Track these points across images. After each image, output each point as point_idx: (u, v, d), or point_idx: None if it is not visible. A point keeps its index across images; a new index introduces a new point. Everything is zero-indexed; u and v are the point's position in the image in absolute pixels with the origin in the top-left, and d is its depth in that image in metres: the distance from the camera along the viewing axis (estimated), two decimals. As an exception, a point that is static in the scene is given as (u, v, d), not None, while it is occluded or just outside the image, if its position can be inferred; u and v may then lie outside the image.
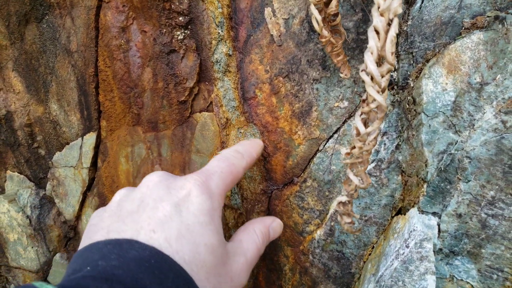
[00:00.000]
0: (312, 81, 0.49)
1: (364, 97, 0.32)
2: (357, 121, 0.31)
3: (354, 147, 0.31)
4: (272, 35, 0.50)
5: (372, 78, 0.31)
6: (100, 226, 0.37)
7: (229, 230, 0.56)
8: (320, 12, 0.43)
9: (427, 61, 0.44)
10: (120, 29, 0.51)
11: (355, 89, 0.48)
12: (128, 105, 0.55)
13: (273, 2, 0.49)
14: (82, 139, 0.58)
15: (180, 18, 0.50)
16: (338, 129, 0.49)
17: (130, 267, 0.31)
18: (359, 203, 0.49)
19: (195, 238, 0.35)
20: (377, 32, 0.30)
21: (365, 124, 0.31)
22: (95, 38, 0.52)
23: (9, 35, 0.54)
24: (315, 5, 0.42)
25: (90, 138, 0.58)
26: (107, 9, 0.50)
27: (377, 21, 0.30)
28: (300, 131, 0.50)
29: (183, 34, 0.50)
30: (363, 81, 0.47)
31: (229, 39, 0.51)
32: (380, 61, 0.31)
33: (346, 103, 0.48)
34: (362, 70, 0.31)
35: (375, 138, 0.30)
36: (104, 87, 0.54)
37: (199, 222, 0.36)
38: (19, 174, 0.63)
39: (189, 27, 0.50)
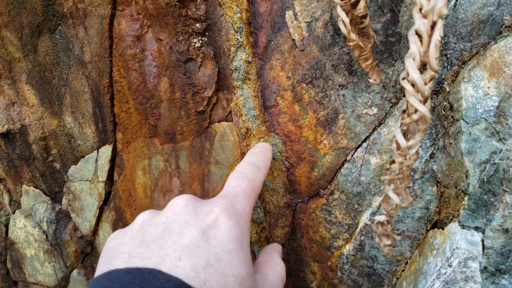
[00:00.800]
0: (337, 87, 0.46)
1: (404, 107, 0.29)
2: (397, 134, 0.28)
3: (393, 162, 0.28)
4: (294, 40, 0.47)
5: (413, 86, 0.28)
6: (121, 251, 0.34)
7: (251, 245, 0.54)
8: (347, 14, 0.41)
9: (464, 63, 0.42)
10: (135, 37, 0.49)
11: (385, 95, 0.45)
12: (145, 116, 0.53)
13: (294, 5, 0.47)
14: (98, 152, 0.57)
15: (197, 25, 0.48)
16: (367, 137, 0.46)
17: None
18: (391, 216, 0.46)
19: (224, 268, 0.33)
20: (419, 36, 0.28)
21: (405, 137, 0.28)
22: (109, 48, 0.51)
23: (22, 47, 0.53)
24: (341, 6, 0.40)
25: (106, 151, 0.56)
26: (121, 18, 0.49)
27: (420, 23, 0.27)
28: (325, 140, 0.47)
29: (200, 41, 0.49)
30: (400, 88, 0.44)
31: (249, 45, 0.49)
32: (422, 67, 0.28)
33: (375, 110, 0.45)
34: (403, 78, 0.28)
35: (417, 152, 0.28)
36: (119, 98, 0.53)
37: (227, 250, 0.34)
38: (34, 189, 0.62)
39: (206, 34, 0.49)
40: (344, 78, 0.46)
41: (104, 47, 0.51)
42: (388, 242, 0.28)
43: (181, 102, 0.51)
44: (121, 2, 0.48)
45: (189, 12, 0.47)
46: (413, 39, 0.28)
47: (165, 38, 0.49)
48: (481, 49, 0.41)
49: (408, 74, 0.28)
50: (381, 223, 0.29)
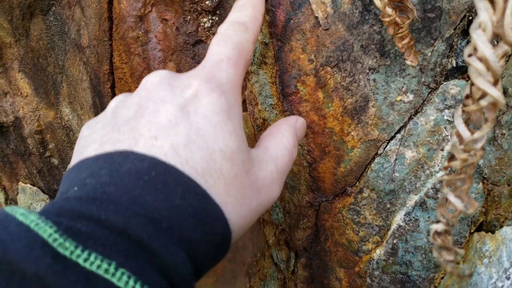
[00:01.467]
0: (367, 71, 0.41)
1: (467, 91, 0.24)
2: (458, 124, 0.23)
3: (453, 158, 0.24)
4: (317, 18, 0.42)
5: (483, 64, 0.23)
6: (93, 139, 0.31)
7: (269, 249, 0.50)
8: (381, -16, 0.36)
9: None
10: (137, 18, 0.45)
11: (422, 79, 0.40)
12: (149, 107, 0.48)
13: (317, -24, 0.42)
14: (99, 146, 0.52)
15: (207, 2, 0.43)
16: (402, 128, 0.41)
17: (124, 183, 0.25)
18: (428, 216, 0.42)
19: (208, 143, 0.29)
20: (491, 1, 0.23)
21: (468, 127, 0.24)
22: (109, 30, 0.46)
23: (13, 31, 0.49)
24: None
25: (108, 145, 0.52)
26: (121, -5, 0.44)
27: (490, -15, 0.22)
28: (353, 131, 0.43)
29: (210, 21, 0.44)
30: (441, 71, 0.39)
31: (265, 25, 0.44)
32: (493, 40, 0.23)
33: (411, 97, 0.40)
34: (469, 55, 0.23)
35: (483, 147, 0.23)
36: (121, 86, 0.48)
37: (211, 124, 0.30)
38: (31, 186, 0.58)
39: (217, 12, 0.44)
40: (375, 60, 0.41)
41: (103, 30, 0.46)
42: (450, 257, 0.24)
43: (189, 90, 0.47)
44: (121, -23, 0.43)
45: (197, -12, 0.42)
46: (483, 5, 0.23)
47: (171, 18, 0.44)
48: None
49: (475, 49, 0.23)
50: (438, 233, 0.24)
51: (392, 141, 0.41)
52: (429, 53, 0.39)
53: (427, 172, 0.40)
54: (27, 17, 0.48)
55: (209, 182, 0.28)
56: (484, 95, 0.22)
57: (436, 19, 0.39)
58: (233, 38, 0.35)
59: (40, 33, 0.48)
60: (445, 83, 0.39)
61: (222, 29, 0.36)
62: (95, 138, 0.31)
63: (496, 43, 0.23)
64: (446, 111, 0.39)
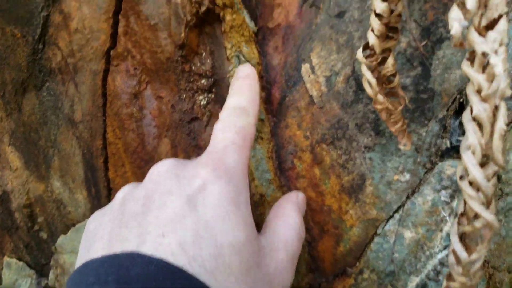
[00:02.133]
0: (363, 149, 0.42)
1: (461, 209, 0.25)
2: (454, 243, 0.24)
3: (451, 278, 0.24)
4: (311, 96, 0.44)
5: (473, 186, 0.24)
6: (99, 235, 0.30)
7: None
8: (373, 72, 0.37)
9: (508, 123, 0.38)
10: (131, 95, 0.45)
11: (418, 159, 0.41)
12: (143, 181, 0.49)
13: (311, 57, 0.43)
14: (90, 220, 0.52)
15: (203, 81, 0.44)
16: (400, 207, 0.42)
17: None
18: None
19: (217, 237, 0.28)
20: (479, 124, 0.24)
21: (464, 243, 0.24)
22: (103, 106, 0.47)
23: (5, 106, 0.50)
24: (367, 65, 0.36)
25: (99, 218, 0.52)
26: (116, 73, 0.45)
27: (479, 109, 0.23)
28: (351, 209, 0.43)
29: (206, 98, 0.45)
30: (436, 152, 0.40)
31: (260, 101, 0.46)
32: (483, 161, 0.24)
33: (407, 176, 0.41)
34: (460, 177, 0.24)
35: (481, 266, 0.23)
36: (114, 161, 0.49)
37: (220, 215, 0.30)
38: (17, 261, 0.57)
39: (213, 90, 0.45)
40: (370, 139, 0.42)
41: (97, 106, 0.47)
42: None
43: (184, 166, 0.47)
44: (116, 56, 0.44)
45: (193, 68, 0.44)
46: (471, 127, 0.24)
47: (166, 95, 0.45)
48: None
49: (467, 172, 0.24)
50: None
51: (390, 221, 0.42)
52: (424, 133, 0.41)
53: (427, 253, 0.41)
54: (20, 92, 0.49)
55: (218, 280, 0.28)
56: (477, 216, 0.23)
57: (429, 100, 0.40)
58: (236, 124, 0.36)
59: (33, 108, 0.49)
60: (440, 163, 0.40)
61: (225, 115, 0.37)
62: (102, 235, 0.30)
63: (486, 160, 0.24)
64: (443, 191, 0.40)
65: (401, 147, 0.39)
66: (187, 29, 0.41)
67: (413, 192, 0.41)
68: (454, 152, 0.40)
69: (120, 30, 0.42)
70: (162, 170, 0.33)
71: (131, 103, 0.46)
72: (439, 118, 0.40)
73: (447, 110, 0.40)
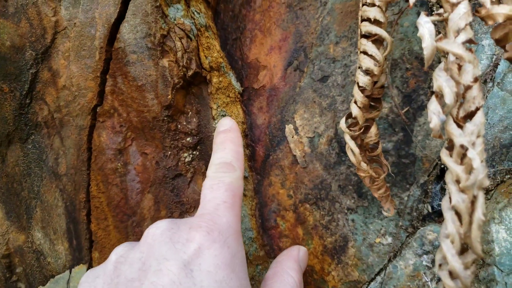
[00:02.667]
0: (346, 211, 0.41)
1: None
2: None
3: None
4: (295, 156, 0.43)
5: (451, 274, 0.23)
6: None
7: None
8: (356, 140, 0.37)
9: (488, 191, 0.37)
10: (116, 151, 0.44)
11: (400, 223, 0.40)
12: (125, 235, 0.47)
13: (295, 118, 0.43)
14: (70, 272, 0.49)
15: (188, 139, 0.43)
16: (382, 270, 0.40)
17: None
18: None
19: None
20: (458, 213, 0.23)
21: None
22: (87, 160, 0.45)
23: (-11, 157, 0.48)
24: (350, 135, 0.36)
25: (80, 271, 0.49)
26: (102, 129, 0.44)
27: (458, 199, 0.23)
28: (334, 271, 0.42)
29: (191, 155, 0.44)
30: (417, 217, 0.40)
31: (244, 159, 0.45)
32: (462, 249, 0.23)
33: (389, 239, 0.40)
34: (439, 265, 0.23)
35: None
36: (97, 214, 0.47)
37: (217, 281, 0.29)
38: (-7, 312, 0.54)
39: (197, 147, 0.44)
40: (353, 201, 0.41)
41: (81, 160, 0.45)
42: None
43: (167, 221, 0.45)
44: (102, 113, 0.43)
45: (179, 126, 0.43)
46: (449, 216, 0.23)
47: (151, 152, 0.44)
48: (506, 176, 0.37)
49: (446, 261, 0.23)
50: None
51: (372, 283, 0.41)
52: (406, 198, 0.40)
53: (410, 319, 0.39)
54: (4, 144, 0.47)
55: None
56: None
57: (411, 165, 0.40)
58: (224, 180, 0.35)
59: (17, 160, 0.47)
60: (422, 228, 0.39)
61: (211, 172, 0.36)
62: None
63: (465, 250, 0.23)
64: (425, 256, 0.39)
65: (385, 213, 0.38)
66: (174, 91, 0.40)
67: (395, 256, 0.40)
68: (435, 216, 0.40)
69: (108, 89, 0.41)
70: (157, 233, 0.32)
71: (116, 158, 0.44)
72: (421, 183, 0.39)
73: (428, 176, 0.39)
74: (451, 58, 0.23)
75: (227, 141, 0.39)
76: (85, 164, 0.46)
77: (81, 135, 0.45)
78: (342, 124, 0.35)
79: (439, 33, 0.25)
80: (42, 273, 0.51)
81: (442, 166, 0.39)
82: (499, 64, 0.37)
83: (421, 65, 0.39)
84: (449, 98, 0.22)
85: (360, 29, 0.33)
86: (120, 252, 0.33)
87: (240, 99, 0.44)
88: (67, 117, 0.44)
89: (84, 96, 0.43)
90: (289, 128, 0.43)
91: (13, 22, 0.41)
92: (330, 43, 0.41)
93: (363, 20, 0.33)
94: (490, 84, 0.38)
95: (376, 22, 0.32)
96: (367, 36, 0.33)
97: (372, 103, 0.35)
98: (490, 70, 0.38)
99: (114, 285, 0.30)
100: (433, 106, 0.23)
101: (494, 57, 0.37)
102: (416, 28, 0.39)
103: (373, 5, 0.32)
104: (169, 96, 0.40)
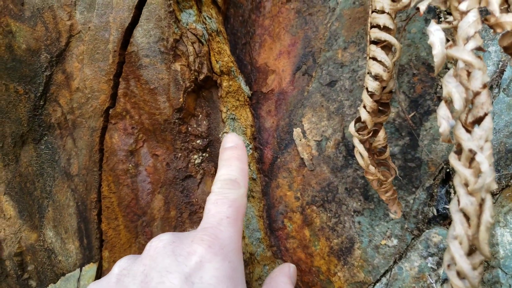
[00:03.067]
0: (352, 213, 0.42)
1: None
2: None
3: None
4: (302, 158, 0.43)
5: (459, 274, 0.23)
6: None
7: None
8: (364, 143, 0.37)
9: (493, 195, 0.38)
10: (128, 152, 0.45)
11: (406, 225, 0.40)
12: (135, 235, 0.47)
13: (302, 122, 0.43)
14: (81, 270, 0.50)
15: (198, 141, 0.44)
16: (387, 271, 0.41)
17: None
18: None
19: None
20: (466, 216, 0.24)
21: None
22: (99, 161, 0.46)
23: (3, 157, 0.48)
24: (359, 138, 0.36)
25: (90, 270, 0.50)
26: (114, 131, 0.44)
27: (466, 202, 0.23)
28: (340, 272, 0.42)
29: (200, 157, 0.44)
30: (423, 219, 0.40)
31: (253, 162, 0.45)
32: (470, 250, 0.24)
33: (395, 241, 0.40)
34: (448, 265, 0.24)
35: None
36: (107, 214, 0.47)
37: None
38: (5, 309, 0.54)
39: (207, 149, 0.44)
40: (359, 203, 0.41)
41: (93, 160, 0.46)
42: None
43: (176, 222, 0.46)
44: (114, 115, 0.44)
45: (189, 129, 0.43)
46: (458, 218, 0.23)
47: (161, 153, 0.44)
48: (511, 180, 0.37)
49: (454, 261, 0.23)
50: None
51: (377, 284, 0.41)
52: (411, 201, 0.40)
53: (415, 321, 0.39)
54: (18, 144, 0.48)
55: None
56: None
57: (417, 169, 0.40)
58: (229, 197, 0.35)
59: (30, 160, 0.48)
60: (427, 230, 0.39)
61: (217, 187, 0.36)
62: None
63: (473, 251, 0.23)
64: (430, 258, 0.39)
65: (392, 215, 0.38)
66: (185, 94, 0.41)
67: (400, 257, 0.40)
68: (440, 219, 0.40)
69: (120, 91, 0.42)
70: (160, 246, 0.32)
71: (127, 159, 0.45)
72: (426, 187, 0.39)
73: (434, 179, 0.39)
74: (461, 64, 0.23)
75: (233, 158, 0.39)
76: (97, 164, 0.46)
77: (93, 136, 0.45)
78: (351, 128, 0.35)
79: (448, 40, 0.25)
80: (53, 271, 0.52)
81: (448, 170, 0.39)
82: (505, 71, 0.37)
83: (428, 71, 0.39)
84: (458, 104, 0.23)
85: (369, 35, 0.34)
86: (123, 265, 0.33)
87: (249, 103, 0.44)
88: (80, 119, 0.45)
89: (97, 98, 0.43)
90: (297, 131, 0.43)
91: (29, 26, 0.42)
92: (338, 49, 0.42)
93: (372, 26, 0.34)
94: (496, 90, 0.38)
95: (385, 28, 0.33)
96: (376, 42, 0.33)
97: (381, 108, 0.36)
98: (497, 76, 0.38)
99: None
100: (443, 111, 0.23)
101: (501, 63, 0.38)
102: (423, 34, 0.39)
103: (382, 12, 0.32)
104: (181, 100, 0.41)
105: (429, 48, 0.39)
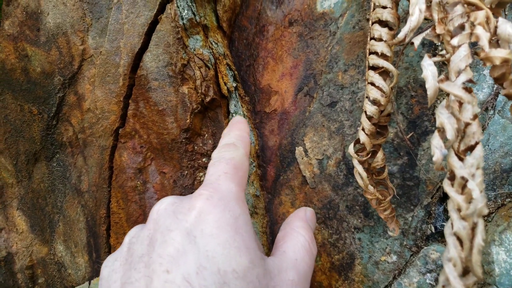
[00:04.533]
0: (353, 230, 0.43)
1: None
2: None
3: None
4: (304, 176, 0.45)
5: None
6: (113, 279, 0.31)
7: None
8: (363, 164, 0.38)
9: (489, 214, 0.38)
10: (136, 170, 0.46)
11: (404, 242, 0.41)
12: (143, 249, 0.48)
13: (304, 141, 0.45)
14: (90, 284, 0.51)
15: (204, 160, 0.45)
16: (387, 287, 0.42)
17: None
18: None
19: (219, 265, 0.28)
20: (459, 239, 0.25)
21: None
22: (109, 178, 0.47)
23: (16, 173, 0.50)
24: (358, 160, 0.37)
25: (99, 283, 0.51)
26: (123, 150, 0.46)
27: (459, 226, 0.24)
28: (341, 287, 0.43)
29: (206, 175, 0.45)
30: (421, 236, 0.41)
31: (256, 179, 0.46)
32: (464, 271, 0.25)
33: (394, 257, 0.41)
34: (443, 286, 0.25)
35: None
36: (116, 229, 0.48)
37: (219, 243, 0.29)
38: (16, 321, 0.55)
39: (212, 168, 0.46)
40: (359, 220, 0.42)
41: (103, 178, 0.47)
42: None
43: (183, 237, 0.47)
44: (124, 134, 0.45)
45: (195, 147, 0.45)
46: (452, 241, 0.24)
47: (169, 171, 0.46)
48: (507, 199, 0.38)
49: (448, 281, 0.24)
50: None
51: (378, 300, 0.42)
52: (410, 218, 0.41)
53: (414, 336, 0.40)
54: (31, 162, 0.49)
55: None
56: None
57: (415, 187, 0.41)
58: (225, 156, 0.35)
59: (42, 177, 0.49)
60: (425, 247, 0.40)
61: (215, 153, 0.37)
62: (115, 279, 0.31)
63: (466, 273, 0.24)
64: (428, 274, 0.40)
65: (390, 233, 0.39)
66: (192, 115, 0.42)
67: (400, 273, 0.41)
68: (438, 236, 0.41)
69: (130, 112, 0.43)
70: (161, 209, 0.33)
71: (136, 177, 0.46)
72: (424, 205, 0.40)
73: (432, 198, 0.40)
74: (452, 97, 0.24)
75: (233, 129, 0.39)
76: (106, 182, 0.47)
77: (103, 154, 0.47)
78: (351, 149, 0.36)
79: (441, 72, 0.26)
80: (63, 284, 0.53)
81: (445, 188, 0.40)
82: (499, 93, 0.39)
83: (425, 93, 0.40)
84: (450, 134, 0.24)
85: (368, 61, 0.35)
86: (132, 233, 0.34)
87: (253, 122, 0.46)
88: (91, 138, 0.46)
89: (107, 118, 0.45)
90: (299, 150, 0.45)
91: (44, 50, 0.44)
92: (338, 71, 0.43)
93: (370, 53, 0.35)
94: (491, 112, 0.39)
95: (383, 55, 0.34)
96: (374, 68, 0.35)
97: (379, 130, 0.37)
98: (491, 99, 0.39)
99: (128, 264, 0.31)
100: (436, 141, 0.25)
101: (495, 86, 0.39)
102: (421, 58, 0.40)
103: (380, 40, 0.34)
104: (188, 121, 0.42)
105: (426, 71, 0.40)
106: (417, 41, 0.26)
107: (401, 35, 0.26)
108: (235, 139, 0.38)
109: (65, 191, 0.49)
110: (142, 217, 0.47)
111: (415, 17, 0.26)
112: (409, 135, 0.41)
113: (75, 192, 0.49)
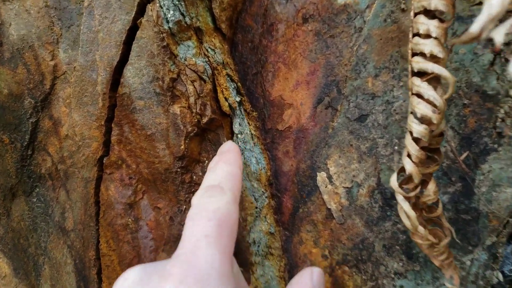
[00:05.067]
0: (393, 275, 0.34)
1: None
2: None
3: None
4: (329, 209, 0.36)
5: None
6: None
7: None
8: (410, 200, 0.29)
9: None
10: (126, 205, 0.38)
11: (462, 292, 0.32)
12: (139, 297, 0.41)
13: (328, 165, 0.36)
14: (82, 334, 0.44)
15: (204, 192, 0.37)
16: None
17: None
18: None
19: None
20: None
21: None
22: (96, 215, 0.40)
23: (-7, 211, 0.43)
24: (403, 195, 0.28)
25: (92, 334, 0.43)
26: (110, 182, 0.38)
27: None
28: None
29: (208, 210, 0.37)
30: (473, 281, 0.32)
31: (270, 212, 0.38)
32: None
33: (450, 313, 0.32)
34: None
35: None
36: (108, 273, 0.41)
37: None
38: None
39: (216, 201, 0.37)
40: (401, 264, 0.33)
41: (89, 215, 0.40)
42: None
43: (185, 283, 0.39)
44: (109, 164, 0.37)
45: (194, 177, 0.36)
46: None
47: (164, 206, 0.38)
48: None
49: None
50: None
51: None
52: (468, 262, 0.32)
53: None
54: (8, 198, 0.42)
55: None
56: None
57: (473, 222, 0.32)
58: (208, 207, 0.27)
59: (22, 214, 0.42)
60: (492, 304, 0.31)
61: (196, 198, 0.28)
62: None
63: None
64: (497, 337, 0.31)
65: (447, 284, 0.30)
66: (187, 140, 0.34)
67: (458, 334, 0.32)
68: (508, 284, 0.31)
69: (114, 138, 0.36)
70: (125, 285, 0.25)
71: (126, 213, 0.38)
72: (488, 245, 0.31)
73: (497, 236, 0.31)
74: None
75: (220, 162, 0.31)
76: (93, 219, 0.40)
77: (87, 188, 0.39)
78: (393, 182, 0.27)
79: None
80: (53, 334, 0.46)
81: (515, 224, 0.31)
82: None
83: (483, 101, 0.31)
84: None
85: (412, 66, 0.26)
86: None
87: (263, 143, 0.37)
88: (72, 169, 0.39)
89: (88, 146, 0.37)
90: (321, 176, 0.36)
91: (9, 69, 0.36)
92: (368, 76, 0.34)
93: (414, 54, 0.26)
94: None
95: (432, 57, 0.25)
96: (421, 74, 0.26)
97: (430, 154, 0.28)
98: None
99: None
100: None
101: None
102: (475, 55, 0.31)
103: (428, 36, 0.25)
104: (182, 147, 0.34)
105: (483, 72, 0.31)
106: (499, 36, 0.17)
107: (474, 29, 0.17)
108: (221, 177, 0.30)
109: (49, 230, 0.42)
110: (136, 260, 0.39)
111: (497, 0, 0.17)
112: (463, 156, 0.32)
113: (59, 231, 0.41)
